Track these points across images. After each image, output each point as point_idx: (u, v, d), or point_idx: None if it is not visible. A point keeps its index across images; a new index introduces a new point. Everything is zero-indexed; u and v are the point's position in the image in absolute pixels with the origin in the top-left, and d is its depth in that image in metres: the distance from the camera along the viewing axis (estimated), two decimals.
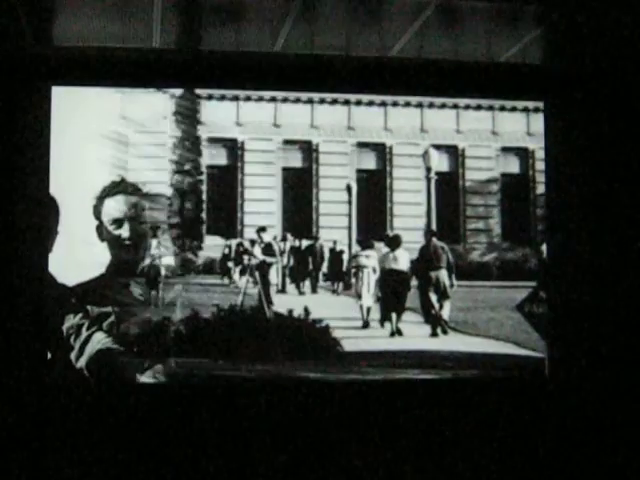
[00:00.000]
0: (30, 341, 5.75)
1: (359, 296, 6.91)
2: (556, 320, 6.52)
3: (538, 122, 6.76)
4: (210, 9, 5.25)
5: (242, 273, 6.88)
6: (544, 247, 6.78)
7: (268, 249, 6.88)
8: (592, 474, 6.19)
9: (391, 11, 5.24)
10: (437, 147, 7.26)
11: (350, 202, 7.06)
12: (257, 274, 6.83)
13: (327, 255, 7.14)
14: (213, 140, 7.00)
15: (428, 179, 7.29)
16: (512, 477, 6.21)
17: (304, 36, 5.67)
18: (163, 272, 6.56)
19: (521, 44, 5.80)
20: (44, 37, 5.61)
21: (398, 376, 6.44)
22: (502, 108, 7.06)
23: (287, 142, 7.12)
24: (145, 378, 5.99)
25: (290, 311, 6.60)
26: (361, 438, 6.15)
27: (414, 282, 7.03)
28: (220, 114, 6.92)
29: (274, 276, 6.92)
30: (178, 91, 6.78)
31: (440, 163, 7.28)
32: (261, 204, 7.08)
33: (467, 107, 7.21)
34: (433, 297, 6.97)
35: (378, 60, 6.10)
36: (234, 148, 7.07)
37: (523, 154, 7.36)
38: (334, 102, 6.99)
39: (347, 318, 6.74)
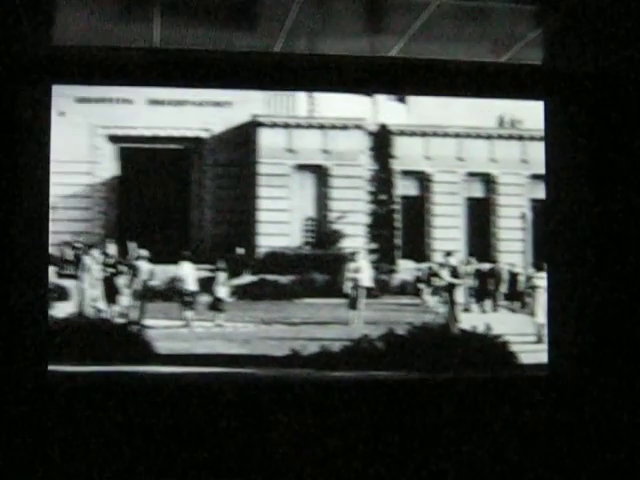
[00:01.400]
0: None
1: (534, 314, 7.24)
2: (556, 319, 6.62)
3: None
4: (207, 10, 5.18)
5: (432, 294, 7.33)
6: None
7: (454, 272, 7.29)
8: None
9: (392, 11, 5.19)
10: None
11: (525, 229, 7.46)
12: (445, 294, 7.28)
13: (506, 277, 7.49)
14: (405, 173, 7.46)
15: None
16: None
17: (305, 36, 5.62)
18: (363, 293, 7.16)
19: (521, 44, 5.73)
20: (44, 37, 5.55)
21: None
22: None
23: (470, 174, 7.62)
24: None
25: (474, 327, 7.05)
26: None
27: None
28: (411, 149, 7.40)
29: (460, 296, 7.32)
30: (374, 127, 7.28)
31: None
32: (447, 231, 7.53)
33: None
34: None
35: (378, 60, 6.06)
36: (423, 180, 7.57)
37: None
38: (510, 137, 7.47)
39: (523, 334, 7.11)
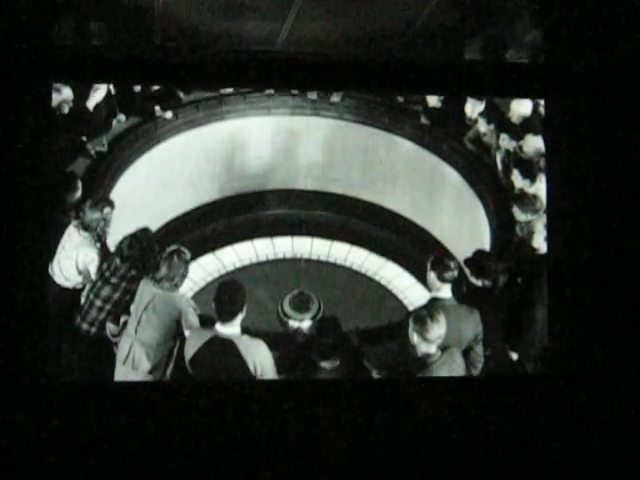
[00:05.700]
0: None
1: None
2: (556, 319, 6.34)
3: None
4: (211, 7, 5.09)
5: None
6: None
7: None
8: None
9: (391, 11, 5.12)
10: None
11: None
12: None
13: None
14: None
15: None
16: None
17: (305, 34, 5.50)
18: None
19: (522, 43, 5.67)
20: (44, 36, 5.43)
21: None
22: None
23: None
24: None
25: None
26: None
27: None
28: None
29: None
30: None
31: None
32: None
33: None
34: None
35: (377, 60, 5.91)
36: None
37: None
38: None
39: None
